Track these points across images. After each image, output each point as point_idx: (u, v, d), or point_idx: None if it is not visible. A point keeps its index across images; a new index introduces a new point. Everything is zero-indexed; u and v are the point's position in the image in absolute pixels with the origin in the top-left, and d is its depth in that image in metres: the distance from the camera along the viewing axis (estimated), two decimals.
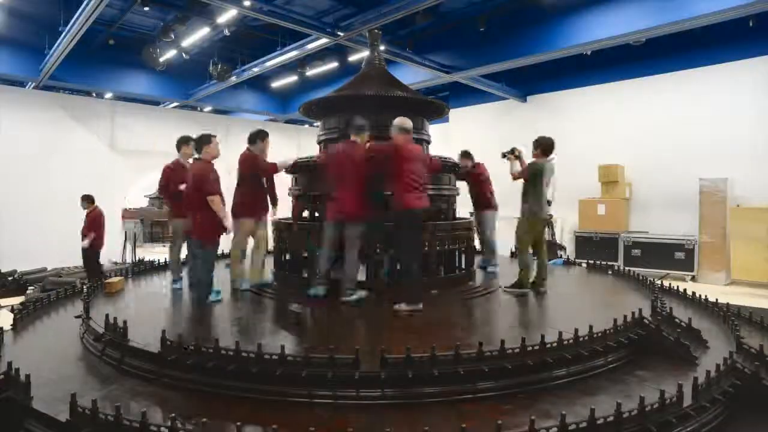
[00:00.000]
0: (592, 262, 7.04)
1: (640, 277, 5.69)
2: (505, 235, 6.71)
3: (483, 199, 6.31)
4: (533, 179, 5.00)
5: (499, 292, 5.03)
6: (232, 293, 4.95)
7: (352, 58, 11.61)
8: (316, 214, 5.27)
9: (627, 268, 6.48)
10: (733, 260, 9.29)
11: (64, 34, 8.91)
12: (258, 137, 5.07)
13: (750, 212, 9.17)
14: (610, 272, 6.43)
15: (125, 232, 12.11)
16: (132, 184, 13.22)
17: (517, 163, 5.31)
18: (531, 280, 5.02)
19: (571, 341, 3.11)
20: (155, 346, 3.12)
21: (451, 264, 5.27)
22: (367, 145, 4.70)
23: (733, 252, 9.27)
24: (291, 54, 10.47)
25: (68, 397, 2.43)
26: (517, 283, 4.99)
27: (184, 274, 5.31)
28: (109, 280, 5.19)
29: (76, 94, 13.60)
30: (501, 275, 5.84)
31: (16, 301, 6.57)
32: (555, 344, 3.03)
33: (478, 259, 6.18)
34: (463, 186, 6.22)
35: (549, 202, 5.51)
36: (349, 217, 4.50)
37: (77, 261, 10.90)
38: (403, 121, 4.54)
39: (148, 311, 4.51)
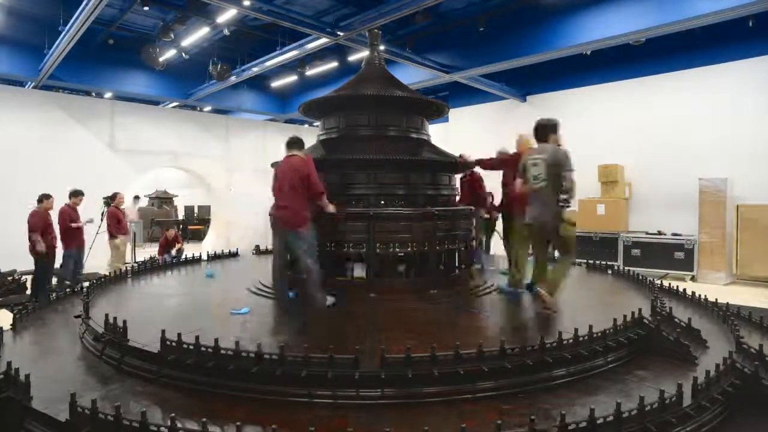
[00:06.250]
0: (591, 262, 7.04)
1: (640, 277, 5.69)
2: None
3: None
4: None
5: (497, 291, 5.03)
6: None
7: (352, 57, 11.61)
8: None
9: (626, 268, 6.48)
10: (740, 257, 9.31)
11: (63, 33, 8.90)
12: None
13: (756, 210, 9.18)
14: (609, 272, 6.43)
15: None
16: (131, 183, 13.18)
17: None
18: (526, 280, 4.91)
19: (570, 341, 3.11)
20: (155, 346, 3.12)
21: (451, 263, 5.28)
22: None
23: (740, 249, 9.29)
24: (291, 54, 10.47)
25: (68, 397, 2.42)
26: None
27: None
28: None
29: (75, 94, 13.59)
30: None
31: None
32: (555, 344, 3.03)
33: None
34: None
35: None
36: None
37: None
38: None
39: (148, 310, 4.50)
